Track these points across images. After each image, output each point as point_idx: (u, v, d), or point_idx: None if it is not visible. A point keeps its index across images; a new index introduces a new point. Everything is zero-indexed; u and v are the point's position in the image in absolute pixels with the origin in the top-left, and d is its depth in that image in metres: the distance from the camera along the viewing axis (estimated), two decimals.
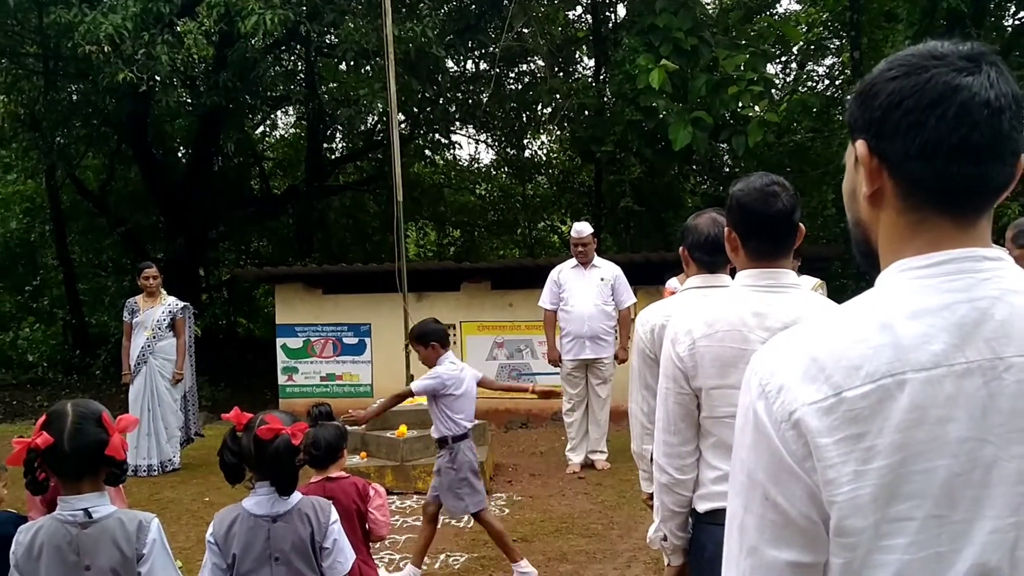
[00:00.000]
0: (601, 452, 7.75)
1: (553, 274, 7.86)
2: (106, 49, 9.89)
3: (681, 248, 3.00)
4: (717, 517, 2.22)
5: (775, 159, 14.09)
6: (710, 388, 2.24)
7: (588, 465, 7.68)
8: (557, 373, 8.07)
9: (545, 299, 7.86)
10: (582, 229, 7.74)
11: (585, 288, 7.63)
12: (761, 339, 2.15)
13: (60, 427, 2.29)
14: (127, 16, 9.80)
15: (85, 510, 2.29)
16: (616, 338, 7.82)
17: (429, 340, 5.10)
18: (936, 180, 1.06)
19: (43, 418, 2.35)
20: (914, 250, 1.08)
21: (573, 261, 7.77)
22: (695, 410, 2.29)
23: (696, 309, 2.34)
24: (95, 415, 2.36)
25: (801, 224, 2.31)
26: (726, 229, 2.35)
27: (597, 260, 7.78)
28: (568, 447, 7.82)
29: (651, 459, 3.04)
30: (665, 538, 2.48)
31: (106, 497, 2.35)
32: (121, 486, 4.43)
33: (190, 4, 10.69)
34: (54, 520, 2.31)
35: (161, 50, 10.02)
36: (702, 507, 2.33)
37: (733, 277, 3.06)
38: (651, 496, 3.15)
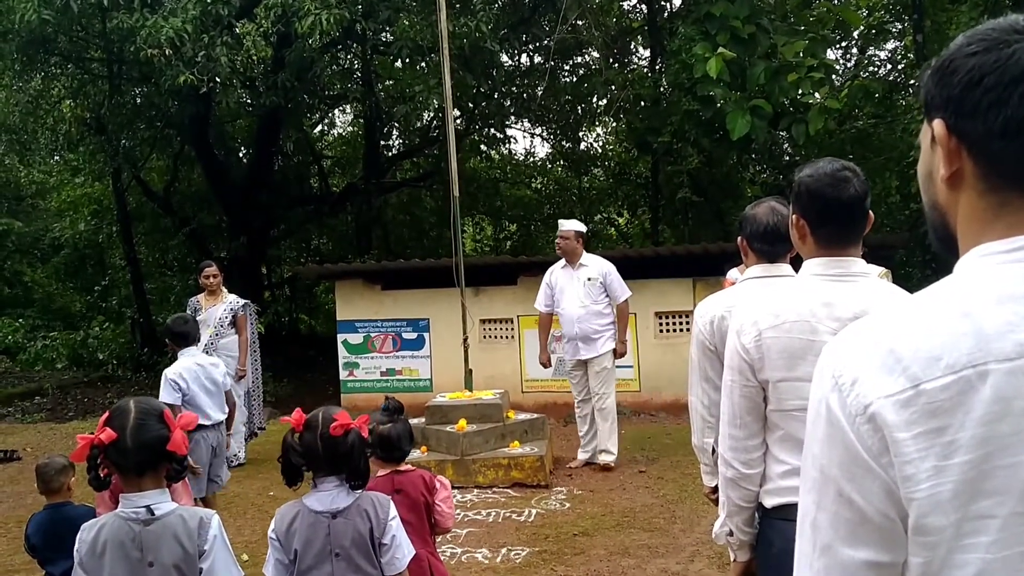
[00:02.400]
0: (608, 452, 7.45)
1: (546, 275, 7.73)
2: (167, 52, 10.08)
3: (739, 238, 2.93)
4: (785, 512, 2.16)
5: (836, 146, 13.81)
6: (777, 380, 2.17)
7: (593, 463, 7.55)
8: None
9: (539, 301, 7.76)
10: (565, 224, 7.61)
11: (572, 288, 7.47)
12: (830, 330, 2.09)
13: (123, 423, 2.32)
14: (187, 19, 9.97)
15: (147, 507, 2.32)
16: (613, 334, 7.55)
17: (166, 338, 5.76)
18: (1020, 160, 1.00)
19: (106, 415, 2.38)
20: (996, 234, 1.02)
21: (563, 261, 7.59)
22: (761, 403, 2.22)
23: (762, 299, 2.27)
24: (157, 411, 2.39)
25: (871, 211, 2.23)
26: (793, 216, 2.27)
27: (586, 258, 7.53)
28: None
29: (712, 452, 2.99)
30: (731, 533, 2.42)
31: (167, 494, 2.38)
32: (187, 480, 4.53)
33: (248, 6, 10.84)
34: (117, 517, 2.34)
35: (221, 52, 10.17)
36: (769, 502, 2.27)
37: (794, 267, 3.00)
38: (713, 490, 3.09)
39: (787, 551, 1.97)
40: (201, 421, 5.21)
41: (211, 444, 5.49)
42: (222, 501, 6.78)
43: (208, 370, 5.59)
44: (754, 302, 2.28)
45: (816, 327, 2.12)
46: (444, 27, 7.23)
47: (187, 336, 5.61)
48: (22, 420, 11.98)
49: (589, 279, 7.44)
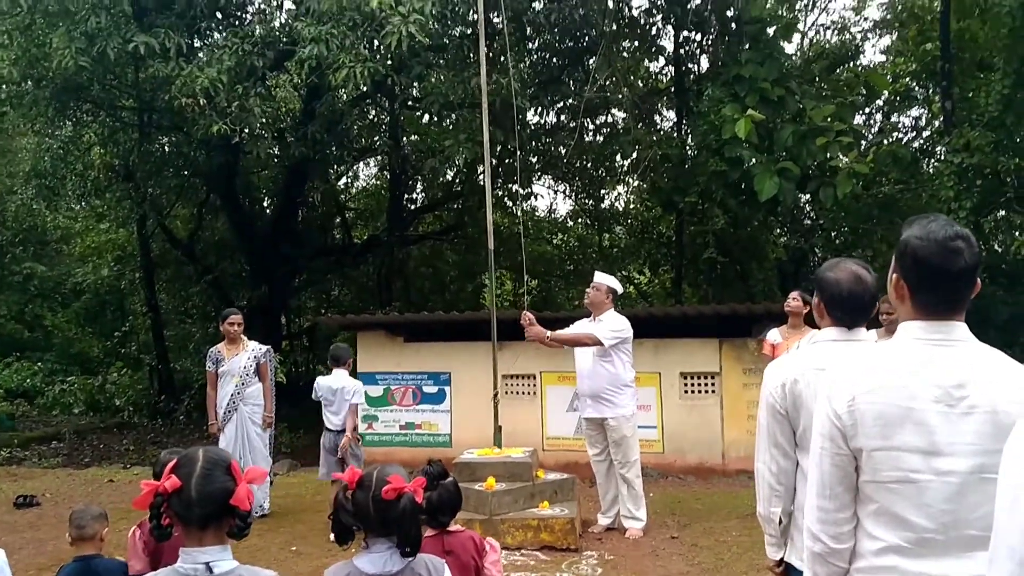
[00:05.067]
0: (634, 520, 7.21)
1: (578, 323, 7.60)
2: (201, 102, 10.18)
3: (816, 300, 2.84)
4: None
5: (864, 210, 13.79)
6: (872, 449, 2.05)
7: (615, 529, 7.33)
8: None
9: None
10: (600, 277, 7.44)
11: None
12: (931, 397, 1.99)
13: (189, 471, 2.23)
14: (222, 70, 10.08)
15: (207, 564, 2.21)
16: (628, 400, 7.25)
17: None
18: None
19: (173, 462, 2.30)
20: None
21: (592, 315, 7.42)
22: (853, 473, 2.09)
23: (856, 362, 2.16)
24: (225, 462, 2.30)
25: (979, 279, 2.11)
26: (894, 275, 2.16)
27: (608, 315, 7.28)
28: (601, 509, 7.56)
29: (779, 523, 2.87)
30: None
31: (228, 551, 2.27)
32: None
33: (282, 58, 10.97)
34: (175, 572, 2.25)
35: (254, 103, 10.28)
36: None
37: (868, 328, 2.91)
38: (778, 563, 2.97)
39: None
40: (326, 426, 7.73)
41: (325, 443, 7.72)
42: (245, 555, 6.64)
43: (340, 387, 7.70)
44: (847, 365, 2.17)
45: (915, 393, 2.01)
46: (484, 86, 7.25)
47: (337, 359, 7.88)
48: (39, 464, 11.88)
49: None
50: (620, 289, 7.70)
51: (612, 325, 7.20)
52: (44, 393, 17.05)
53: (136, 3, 11.02)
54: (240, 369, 8.25)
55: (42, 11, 10.52)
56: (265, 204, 17.96)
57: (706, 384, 10.27)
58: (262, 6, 12.48)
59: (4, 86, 11.57)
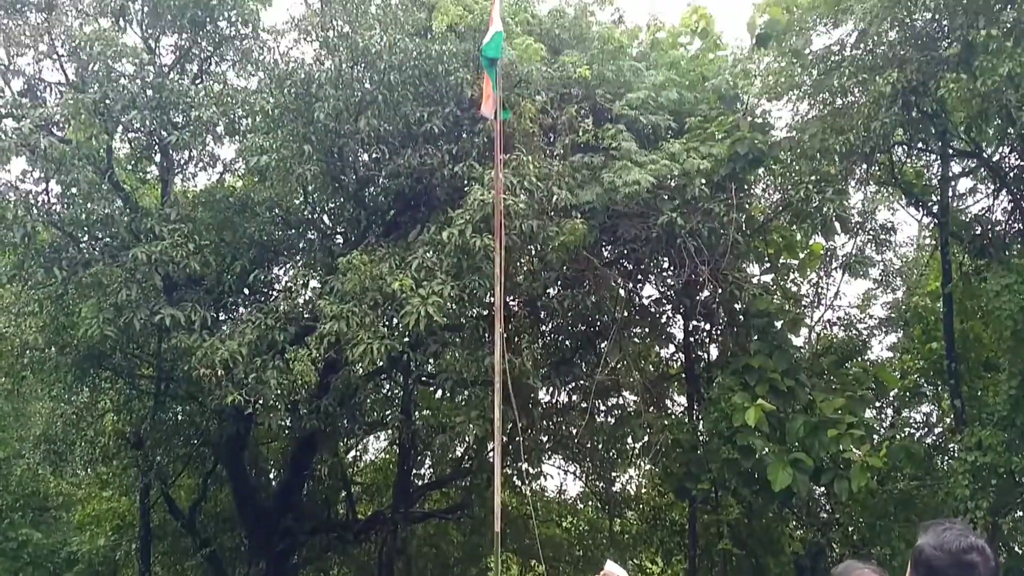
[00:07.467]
0: None
1: None
2: (219, 372, 10.38)
3: None
4: None
5: (879, 506, 13.48)
6: None
7: None
8: None
9: None
10: (612, 566, 7.17)
11: None
12: None
13: None
14: (243, 343, 10.38)
15: None
16: None
17: None
18: None
19: None
20: None
21: None
22: None
23: None
24: None
25: None
26: None
27: None
28: None
29: None
30: None
31: None
32: None
33: (302, 333, 11.29)
34: None
35: (271, 375, 10.45)
36: None
37: None
38: None
39: None
40: None
41: None
42: None
43: None
44: None
45: None
46: (498, 366, 7.40)
47: None
48: None
49: None
50: None
51: None
52: None
53: (167, 278, 11.55)
54: None
55: (76, 282, 11.02)
56: (271, 476, 17.74)
57: None
58: (288, 284, 13.02)
59: (28, 352, 11.86)
